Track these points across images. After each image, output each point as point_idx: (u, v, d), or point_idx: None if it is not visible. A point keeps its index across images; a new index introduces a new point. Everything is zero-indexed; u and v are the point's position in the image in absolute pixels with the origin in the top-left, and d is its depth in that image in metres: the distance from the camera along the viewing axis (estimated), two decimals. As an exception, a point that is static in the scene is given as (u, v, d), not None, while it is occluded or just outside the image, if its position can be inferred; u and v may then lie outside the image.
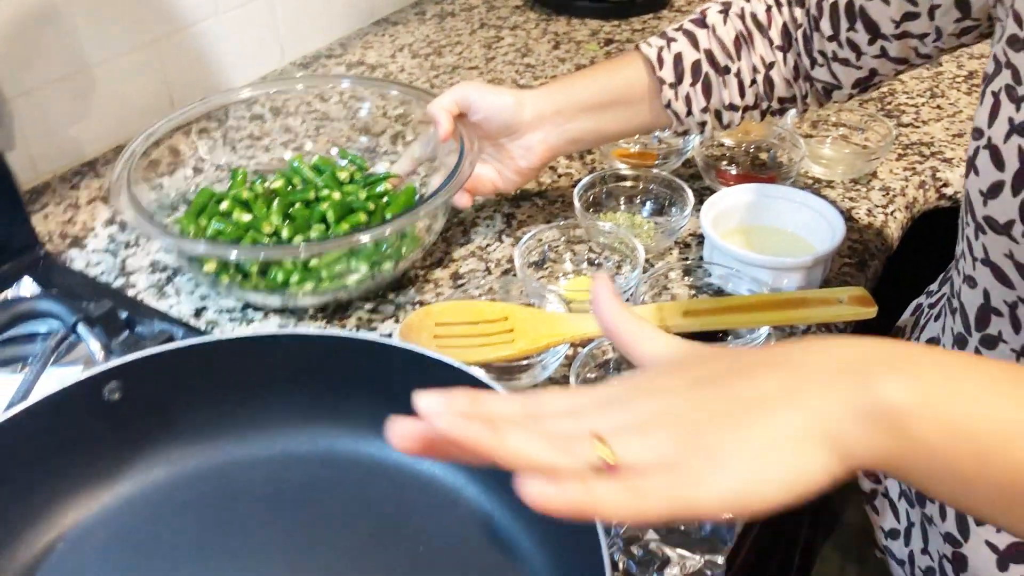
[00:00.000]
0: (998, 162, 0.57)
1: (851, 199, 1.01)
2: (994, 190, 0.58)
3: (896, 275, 1.02)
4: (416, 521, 0.63)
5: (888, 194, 1.02)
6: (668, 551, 0.62)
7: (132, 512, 0.63)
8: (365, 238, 0.78)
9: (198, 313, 0.86)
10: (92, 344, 0.59)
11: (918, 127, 1.15)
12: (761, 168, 1.05)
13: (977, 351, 0.65)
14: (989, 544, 0.64)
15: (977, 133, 0.59)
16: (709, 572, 0.62)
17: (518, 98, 0.87)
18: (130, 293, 0.88)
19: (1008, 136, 0.56)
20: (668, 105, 0.86)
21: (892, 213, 0.99)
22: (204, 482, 0.65)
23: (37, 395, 0.59)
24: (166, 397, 0.64)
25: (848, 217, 0.97)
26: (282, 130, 1.02)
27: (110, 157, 1.10)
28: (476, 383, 0.61)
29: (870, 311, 0.76)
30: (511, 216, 0.99)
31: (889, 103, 1.20)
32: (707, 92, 0.85)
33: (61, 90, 1.04)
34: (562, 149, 0.91)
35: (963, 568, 0.67)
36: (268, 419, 0.67)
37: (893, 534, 0.77)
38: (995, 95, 0.58)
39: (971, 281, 0.63)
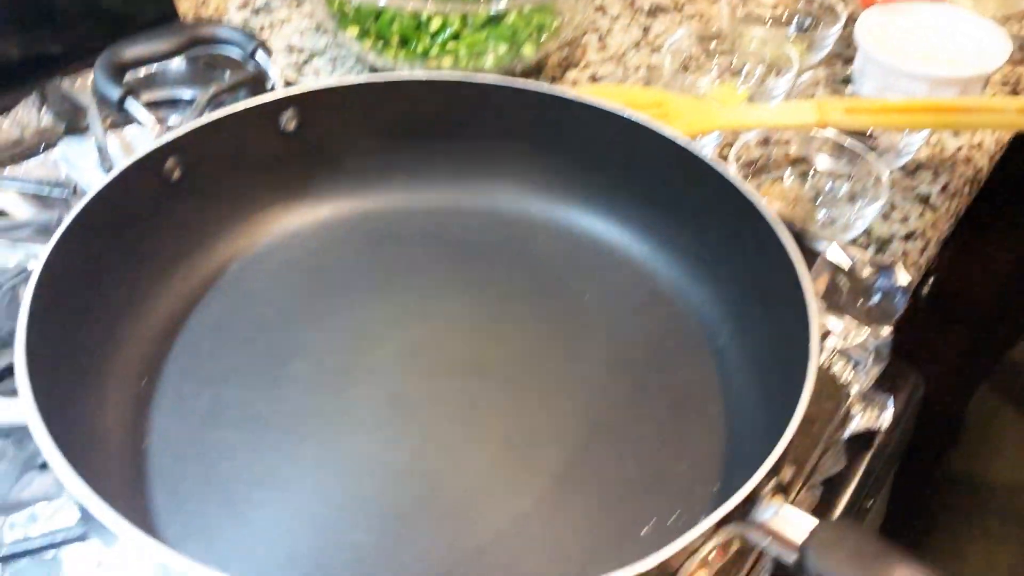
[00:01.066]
0: None
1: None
2: None
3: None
4: (580, 276, 0.63)
5: (1041, 32, 0.98)
6: (834, 320, 0.62)
7: (299, 244, 0.63)
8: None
9: (337, 93, 0.85)
10: (272, 69, 0.59)
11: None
12: None
13: None
14: None
15: None
16: (873, 343, 0.61)
17: None
18: (269, 73, 0.88)
19: None
20: None
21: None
22: (368, 224, 0.65)
23: (219, 113, 0.59)
24: (338, 135, 0.64)
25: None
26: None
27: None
28: (661, 139, 0.60)
29: (1040, 122, 0.74)
30: (647, 29, 0.97)
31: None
32: None
33: None
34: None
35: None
36: (431, 171, 0.67)
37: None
38: None
39: None
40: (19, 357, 0.44)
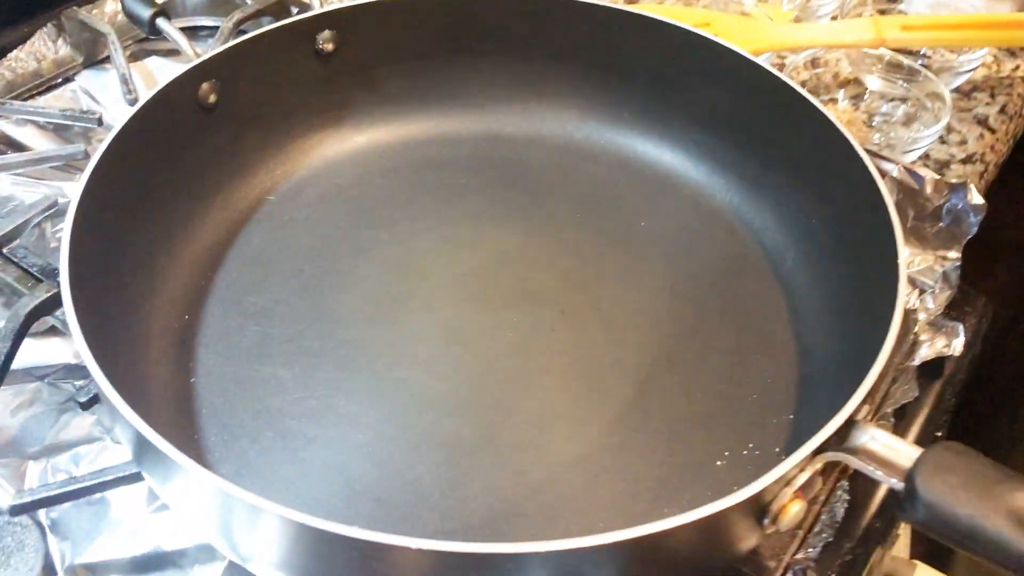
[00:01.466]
0: None
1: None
2: None
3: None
4: (634, 202, 0.60)
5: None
6: (901, 244, 0.59)
7: (338, 172, 0.60)
8: None
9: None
10: (307, -15, 0.56)
11: None
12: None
13: None
14: None
15: None
16: (941, 269, 0.58)
17: None
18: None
19: None
20: None
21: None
22: (410, 150, 0.62)
23: (254, 34, 0.55)
24: (377, 56, 0.60)
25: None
26: None
27: None
28: (721, 52, 0.57)
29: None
30: (683, -51, 0.92)
31: None
32: None
33: None
34: None
35: None
36: (473, 94, 0.64)
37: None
38: None
39: None
40: (65, 294, 0.42)
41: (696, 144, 0.60)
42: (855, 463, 0.36)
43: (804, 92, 0.53)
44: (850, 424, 0.37)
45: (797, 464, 0.36)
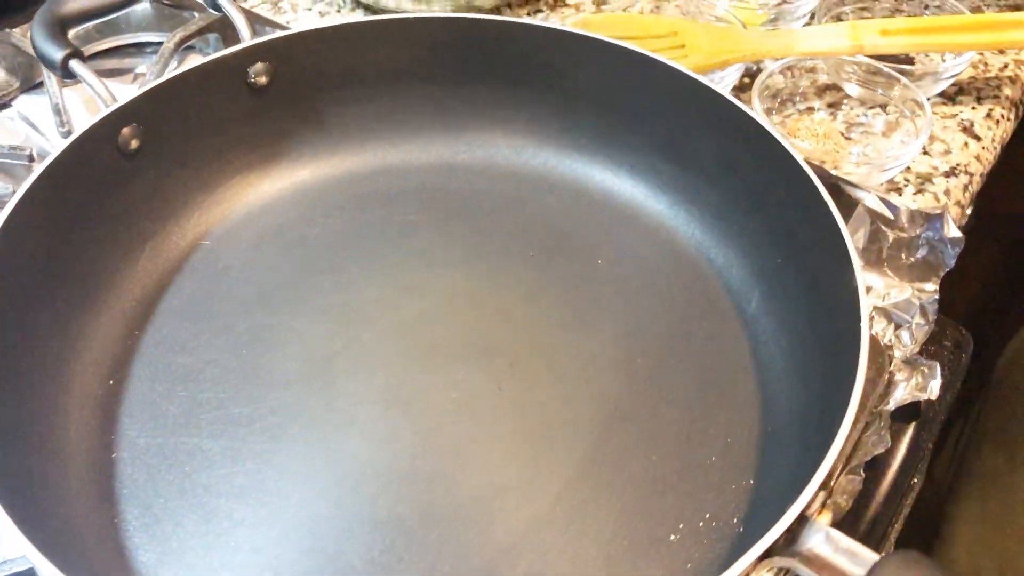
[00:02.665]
0: None
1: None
2: None
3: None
4: (591, 236, 0.56)
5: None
6: (874, 276, 0.56)
7: (278, 211, 0.57)
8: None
9: (318, 30, 0.78)
10: (236, 16, 0.52)
11: None
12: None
13: None
14: None
15: None
16: (917, 302, 0.55)
17: None
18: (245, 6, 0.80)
19: None
20: None
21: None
22: (354, 185, 0.58)
23: (181, 67, 0.52)
24: (314, 87, 0.57)
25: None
26: None
27: None
28: (675, 76, 0.53)
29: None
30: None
31: None
32: None
33: None
34: None
35: None
36: (420, 123, 0.60)
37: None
38: None
39: None
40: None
41: (655, 173, 0.57)
42: (803, 572, 0.33)
43: (757, 118, 0.50)
44: (801, 521, 0.34)
45: (741, 573, 0.33)
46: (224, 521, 0.43)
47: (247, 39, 0.53)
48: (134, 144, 0.50)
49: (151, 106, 0.50)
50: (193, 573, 0.42)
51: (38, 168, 0.46)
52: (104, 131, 0.49)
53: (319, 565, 0.42)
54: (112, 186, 0.50)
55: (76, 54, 0.49)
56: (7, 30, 0.69)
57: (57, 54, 0.48)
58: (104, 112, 0.49)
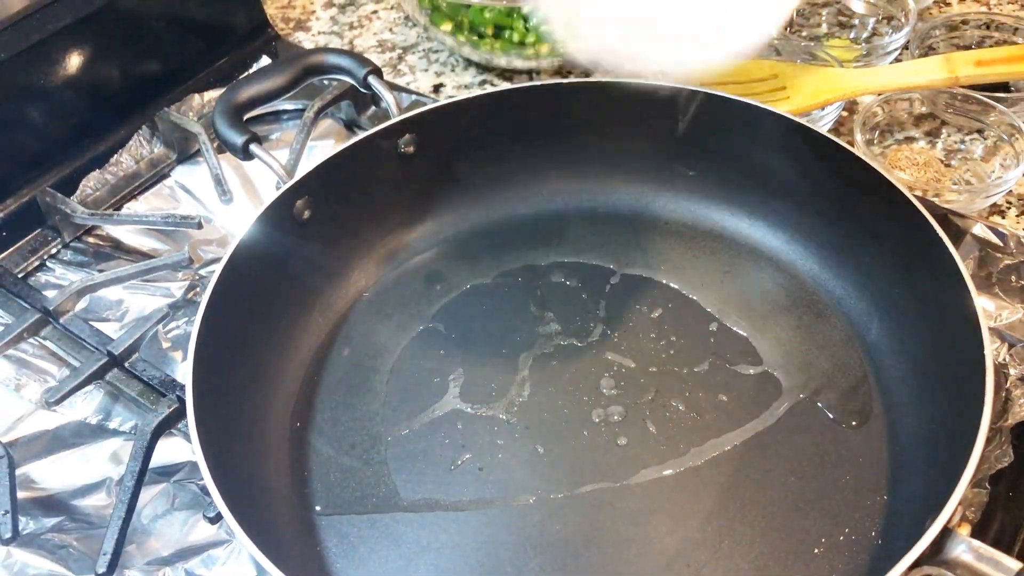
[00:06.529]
0: None
1: None
2: None
3: None
4: (713, 268, 0.61)
5: None
6: (985, 299, 0.59)
7: (426, 262, 0.63)
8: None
9: (436, 89, 0.84)
10: (387, 96, 0.58)
11: None
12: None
13: None
14: None
15: None
16: None
17: None
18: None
19: None
20: None
21: None
22: (492, 234, 0.64)
23: (339, 148, 0.58)
24: (453, 151, 0.63)
25: None
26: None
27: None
28: (779, 121, 0.58)
29: None
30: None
31: None
32: None
33: None
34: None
35: None
36: (546, 175, 0.66)
37: None
38: None
39: None
40: (190, 418, 0.45)
41: (774, 212, 0.61)
42: (951, 581, 0.37)
43: (861, 155, 0.54)
44: (945, 533, 0.38)
45: (894, 582, 0.37)
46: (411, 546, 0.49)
47: (395, 115, 0.59)
48: (306, 214, 0.57)
49: (319, 180, 0.57)
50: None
51: (232, 242, 0.53)
52: (283, 205, 0.55)
53: (498, 582, 0.47)
54: (289, 252, 0.57)
55: (254, 139, 0.56)
56: (165, 108, 0.76)
57: (238, 139, 0.55)
58: (281, 189, 0.55)
